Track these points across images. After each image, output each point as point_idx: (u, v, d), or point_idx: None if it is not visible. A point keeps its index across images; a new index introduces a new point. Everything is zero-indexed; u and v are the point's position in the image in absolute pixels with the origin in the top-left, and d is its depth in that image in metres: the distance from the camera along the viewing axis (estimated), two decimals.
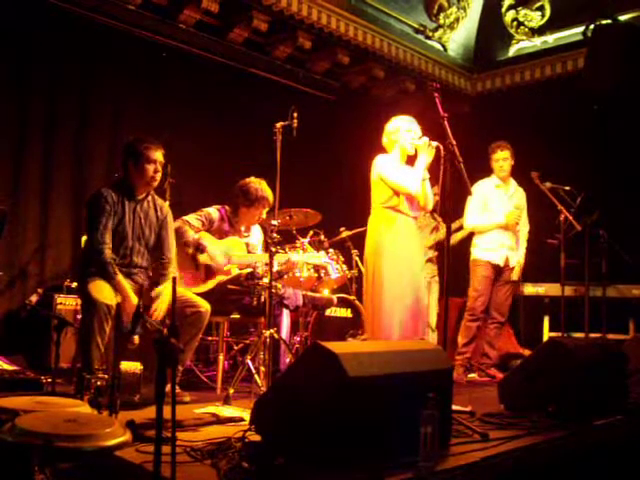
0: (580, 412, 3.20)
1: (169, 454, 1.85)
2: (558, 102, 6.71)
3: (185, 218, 4.48)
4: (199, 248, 4.40)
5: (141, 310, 3.08)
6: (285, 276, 4.62)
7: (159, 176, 3.88)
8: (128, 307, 3.54)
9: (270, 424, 2.45)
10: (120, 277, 3.62)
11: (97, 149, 5.60)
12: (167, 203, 4.20)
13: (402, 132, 4.18)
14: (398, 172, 4.13)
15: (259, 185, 4.56)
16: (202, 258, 4.42)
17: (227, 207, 4.68)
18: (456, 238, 5.80)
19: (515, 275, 5.47)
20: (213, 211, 4.62)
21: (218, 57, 6.19)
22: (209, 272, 4.47)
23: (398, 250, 4.08)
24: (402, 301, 4.02)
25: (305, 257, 4.57)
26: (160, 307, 3.69)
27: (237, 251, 4.56)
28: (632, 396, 3.77)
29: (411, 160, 4.25)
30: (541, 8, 6.99)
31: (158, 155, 3.84)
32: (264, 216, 4.67)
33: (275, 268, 4.40)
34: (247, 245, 4.69)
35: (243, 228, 4.71)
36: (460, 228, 5.76)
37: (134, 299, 3.58)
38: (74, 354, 4.42)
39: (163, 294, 3.72)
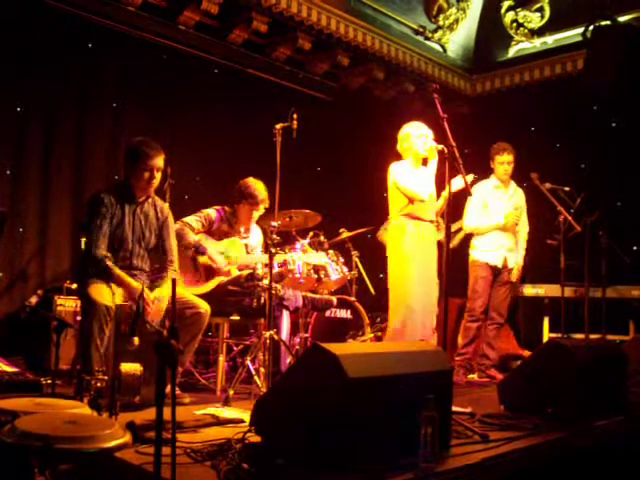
0: (580, 413, 3.20)
1: (169, 455, 1.85)
2: (558, 103, 6.72)
3: (185, 220, 4.49)
4: (199, 250, 4.40)
5: (141, 312, 3.08)
6: (284, 279, 4.62)
7: (155, 182, 3.88)
8: (134, 295, 3.57)
9: (270, 425, 2.45)
10: (118, 271, 3.64)
11: (97, 150, 5.59)
12: (167, 204, 4.20)
13: (412, 138, 4.36)
14: (410, 179, 4.27)
15: (252, 184, 4.58)
16: (202, 260, 4.43)
17: (226, 208, 4.69)
18: (456, 239, 5.81)
19: (513, 276, 5.46)
20: (212, 212, 4.63)
21: (218, 58, 6.19)
22: (209, 273, 4.47)
23: (411, 256, 4.30)
24: (419, 305, 4.26)
25: (305, 257, 4.57)
26: (157, 311, 3.69)
27: (236, 252, 4.57)
28: (632, 397, 3.78)
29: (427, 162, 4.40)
30: (540, 9, 6.99)
31: (156, 162, 3.82)
32: (256, 216, 4.66)
33: (275, 270, 4.43)
34: (246, 246, 4.70)
35: (242, 229, 4.72)
36: (459, 230, 5.75)
37: (138, 286, 3.59)
38: (74, 356, 4.42)
39: (161, 296, 3.72)
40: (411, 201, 4.34)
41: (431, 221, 4.47)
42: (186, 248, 4.38)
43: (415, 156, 4.38)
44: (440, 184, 4.51)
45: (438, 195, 4.61)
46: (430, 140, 4.30)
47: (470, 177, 4.34)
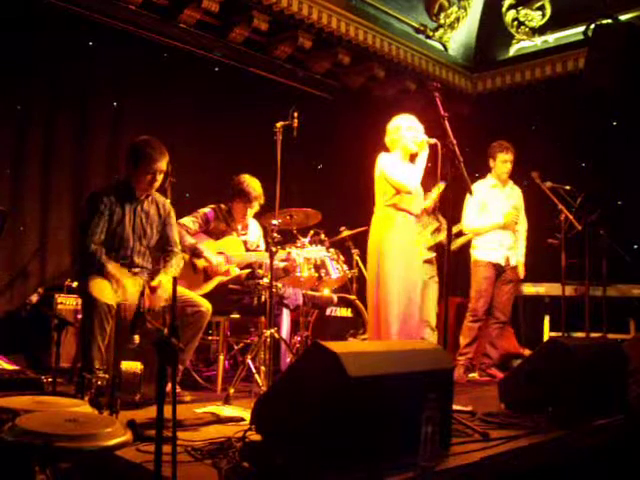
0: (580, 412, 3.20)
1: (170, 454, 1.85)
2: (558, 102, 6.71)
3: (181, 222, 4.48)
4: (195, 253, 4.39)
5: (141, 310, 3.09)
6: (290, 274, 4.60)
7: (157, 184, 3.87)
8: (124, 294, 3.56)
9: (270, 424, 2.45)
10: (110, 265, 3.62)
11: (97, 149, 5.59)
12: (168, 200, 4.19)
13: (403, 131, 4.23)
14: (399, 170, 4.18)
15: (246, 180, 4.59)
16: (199, 263, 4.42)
17: (222, 206, 4.69)
18: (457, 243, 5.79)
19: (521, 274, 5.48)
20: (208, 211, 4.64)
21: (218, 57, 6.19)
22: (207, 275, 4.46)
23: (399, 248, 4.13)
24: (403, 299, 4.07)
25: (304, 252, 4.56)
26: (158, 297, 3.68)
27: (235, 250, 4.57)
28: (632, 396, 3.77)
29: (415, 158, 4.30)
30: (541, 8, 6.98)
31: (160, 165, 3.80)
32: (250, 213, 4.66)
33: (282, 264, 4.43)
34: (245, 243, 4.70)
35: (240, 227, 4.72)
36: (461, 233, 5.74)
37: (129, 284, 3.59)
38: (75, 354, 4.43)
39: (163, 282, 3.71)
40: (398, 192, 4.19)
41: (417, 216, 4.38)
42: (182, 251, 4.38)
43: (404, 149, 4.25)
44: (431, 179, 4.48)
45: (425, 189, 4.54)
46: (421, 134, 4.23)
47: (424, 137, 4.16)
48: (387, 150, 4.33)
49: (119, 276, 3.62)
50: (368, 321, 4.32)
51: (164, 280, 3.72)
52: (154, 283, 3.71)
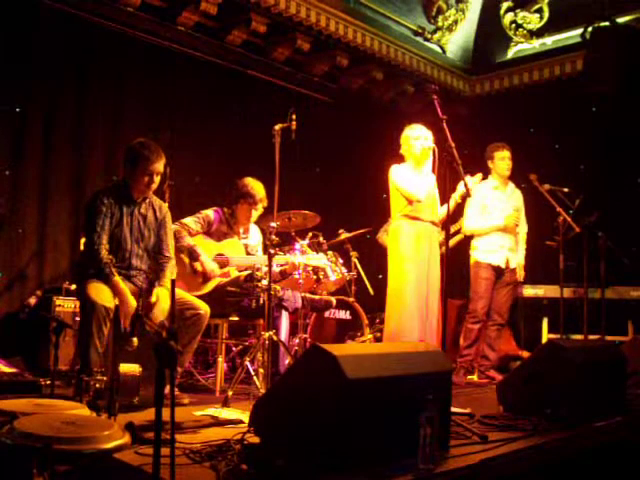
0: (579, 414, 3.20)
1: (168, 456, 1.85)
2: (557, 104, 6.73)
3: (183, 222, 4.47)
4: (192, 255, 4.38)
5: (140, 312, 3.08)
6: (288, 277, 4.62)
7: (154, 186, 3.86)
8: (126, 309, 3.53)
9: (269, 426, 2.45)
10: (117, 278, 3.60)
11: (95, 152, 5.58)
12: (166, 204, 4.19)
13: (410, 140, 4.42)
14: (407, 180, 4.34)
15: (250, 183, 4.58)
16: (196, 265, 4.41)
17: (225, 209, 4.69)
18: (452, 241, 5.80)
19: (520, 277, 5.48)
20: (211, 213, 4.63)
21: (216, 59, 6.19)
22: (206, 276, 4.46)
23: (410, 257, 4.36)
24: (423, 305, 4.31)
25: (304, 259, 4.57)
26: (161, 310, 3.66)
27: (236, 253, 4.56)
28: (631, 397, 3.78)
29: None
30: (539, 10, 7.01)
31: (156, 166, 3.79)
32: (255, 215, 4.66)
33: (278, 268, 4.44)
34: (246, 246, 4.70)
35: (242, 230, 4.72)
36: (457, 232, 5.75)
37: (132, 301, 3.56)
38: (73, 356, 4.42)
39: (161, 297, 3.70)
40: (410, 202, 4.39)
41: (432, 222, 4.50)
42: (179, 251, 4.37)
43: (415, 158, 4.44)
44: (440, 186, 4.54)
45: (441, 197, 4.61)
46: (429, 141, 4.34)
47: (478, 177, 4.44)
48: (401, 158, 4.52)
49: (121, 288, 3.58)
50: (386, 324, 4.46)
51: (161, 294, 3.70)
52: (152, 299, 3.66)
